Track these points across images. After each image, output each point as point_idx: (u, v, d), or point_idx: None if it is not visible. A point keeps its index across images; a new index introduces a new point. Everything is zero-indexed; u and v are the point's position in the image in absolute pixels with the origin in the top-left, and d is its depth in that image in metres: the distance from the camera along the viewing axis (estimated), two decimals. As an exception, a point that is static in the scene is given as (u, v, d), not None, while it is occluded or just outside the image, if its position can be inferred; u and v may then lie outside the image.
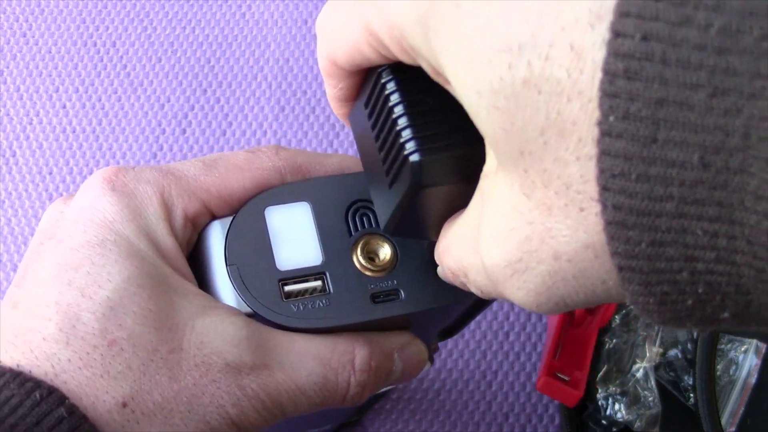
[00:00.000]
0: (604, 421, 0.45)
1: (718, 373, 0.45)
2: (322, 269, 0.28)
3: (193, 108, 0.56)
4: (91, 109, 0.56)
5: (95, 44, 0.59)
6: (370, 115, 0.24)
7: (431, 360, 0.34)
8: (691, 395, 0.45)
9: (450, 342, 0.50)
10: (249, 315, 0.26)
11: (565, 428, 0.45)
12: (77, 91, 0.57)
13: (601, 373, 0.45)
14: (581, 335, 0.41)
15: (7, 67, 0.58)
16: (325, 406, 0.27)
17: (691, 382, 0.45)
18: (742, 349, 0.47)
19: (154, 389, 0.24)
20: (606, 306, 0.35)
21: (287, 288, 0.27)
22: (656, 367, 0.45)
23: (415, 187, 0.22)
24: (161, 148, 0.55)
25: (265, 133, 0.56)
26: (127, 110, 0.56)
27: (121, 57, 0.58)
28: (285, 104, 0.57)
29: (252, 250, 0.27)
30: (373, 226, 0.29)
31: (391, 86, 0.22)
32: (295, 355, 0.26)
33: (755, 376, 0.46)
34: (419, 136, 0.22)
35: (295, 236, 0.28)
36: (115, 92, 0.57)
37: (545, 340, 0.39)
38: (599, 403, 0.45)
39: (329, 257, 0.28)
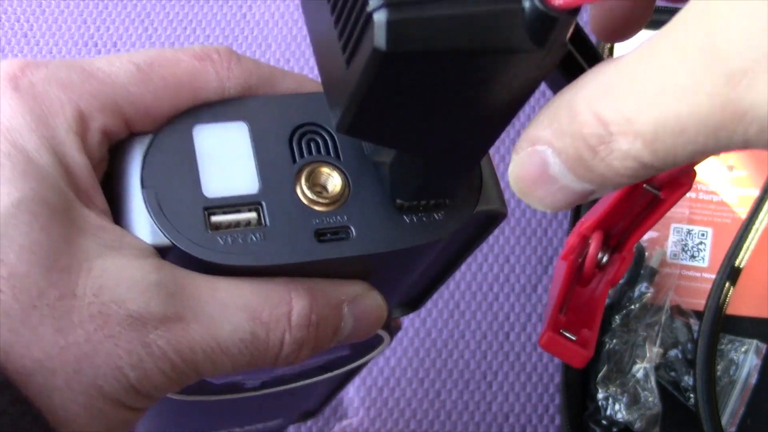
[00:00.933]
0: (604, 421, 0.45)
1: (718, 373, 0.45)
2: (258, 199, 0.23)
3: (193, 108, 0.57)
4: (92, 109, 0.57)
5: (96, 45, 0.59)
6: None
7: (390, 332, 0.30)
8: (692, 395, 0.45)
9: (450, 342, 0.50)
10: (165, 249, 0.22)
11: (566, 428, 0.45)
12: (78, 91, 0.57)
13: (601, 374, 0.45)
14: (590, 293, 0.37)
15: (8, 68, 0.58)
16: (252, 367, 0.23)
17: (691, 383, 0.45)
18: (743, 349, 0.47)
19: (34, 344, 0.19)
20: (618, 262, 0.34)
21: (214, 218, 0.23)
22: (656, 368, 0.45)
23: (381, 53, 0.17)
24: (162, 149, 0.56)
25: (265, 133, 0.56)
26: (128, 110, 0.56)
27: (122, 57, 0.58)
28: (285, 104, 0.57)
29: (174, 173, 0.23)
30: (322, 153, 0.24)
31: None
32: (218, 305, 0.22)
33: (755, 376, 0.46)
34: None
35: (227, 160, 0.24)
36: (116, 92, 0.57)
37: (548, 294, 0.37)
38: (599, 403, 0.45)
39: (267, 186, 0.23)
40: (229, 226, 0.23)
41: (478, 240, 0.29)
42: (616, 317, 0.47)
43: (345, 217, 0.24)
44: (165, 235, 0.22)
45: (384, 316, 0.26)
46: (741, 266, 0.46)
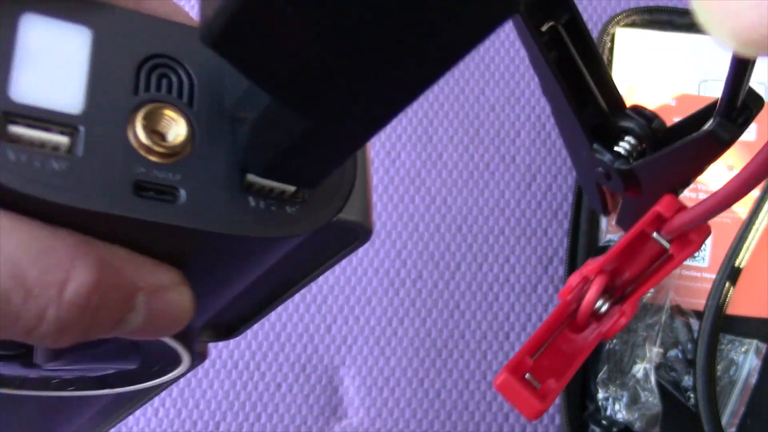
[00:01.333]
0: (604, 421, 0.45)
1: (718, 373, 0.45)
2: (76, 122, 0.19)
3: (193, 108, 0.56)
4: (92, 109, 0.56)
5: (96, 45, 0.59)
6: None
7: (192, 355, 0.25)
8: (692, 395, 0.45)
9: (449, 342, 0.50)
10: None
11: (566, 428, 0.45)
12: (78, 91, 0.57)
13: (601, 374, 0.45)
14: (578, 342, 0.33)
15: (9, 68, 0.58)
16: None
17: (691, 383, 0.45)
18: (743, 349, 0.47)
19: None
20: (617, 315, 0.31)
21: (13, 128, 0.18)
22: (657, 368, 0.45)
23: None
24: (162, 149, 0.55)
25: (265, 133, 0.56)
26: (128, 110, 0.56)
27: (122, 57, 0.58)
28: (286, 104, 0.57)
29: None
30: (173, 94, 0.20)
31: None
32: None
33: (755, 376, 0.46)
34: None
35: (53, 66, 0.19)
36: (116, 92, 0.57)
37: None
38: (599, 403, 0.45)
39: (93, 111, 0.19)
40: (32, 143, 0.18)
41: (329, 260, 0.25)
42: (616, 317, 0.47)
43: (177, 176, 0.19)
44: None
45: (186, 320, 0.21)
46: (741, 266, 0.46)
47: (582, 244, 0.48)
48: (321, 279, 0.51)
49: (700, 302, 0.46)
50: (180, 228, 0.19)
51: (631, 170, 0.24)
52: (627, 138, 0.25)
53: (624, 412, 0.44)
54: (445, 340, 0.50)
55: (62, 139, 0.18)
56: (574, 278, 0.30)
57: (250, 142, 0.20)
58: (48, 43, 0.19)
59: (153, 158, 0.19)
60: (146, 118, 0.19)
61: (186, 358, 0.25)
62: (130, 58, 0.20)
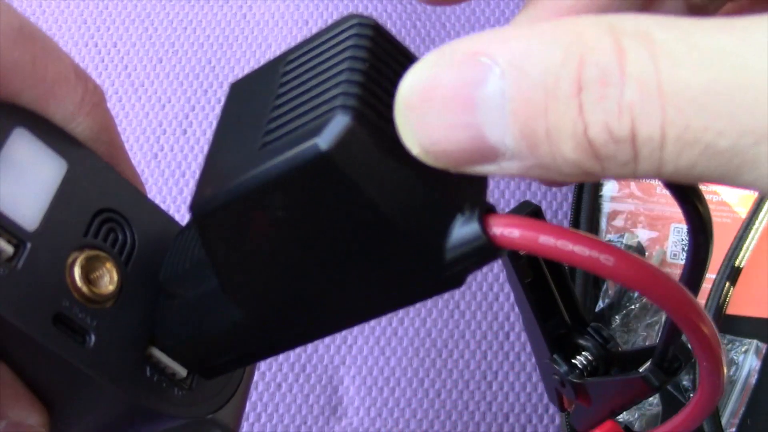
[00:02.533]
0: (604, 421, 0.45)
1: (718, 373, 0.45)
2: (26, 238, 0.20)
3: (194, 108, 0.56)
4: (92, 109, 0.57)
5: (96, 45, 0.59)
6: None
7: None
8: (691, 395, 0.45)
9: (450, 342, 0.50)
10: None
11: (566, 428, 0.45)
12: (78, 91, 0.57)
13: (601, 374, 0.45)
14: None
15: (8, 68, 0.58)
16: None
17: (691, 383, 0.45)
18: (743, 349, 0.47)
19: None
20: None
21: None
22: (656, 368, 0.45)
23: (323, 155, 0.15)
24: (162, 149, 0.55)
25: (265, 133, 0.56)
26: (128, 110, 0.56)
27: (122, 57, 0.58)
28: (286, 104, 0.57)
29: None
30: (115, 250, 0.22)
31: None
32: None
33: (755, 376, 0.46)
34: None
35: (26, 181, 0.20)
36: (116, 92, 0.57)
37: None
38: (599, 403, 0.45)
39: (44, 235, 0.20)
40: None
41: None
42: (616, 317, 0.47)
43: (94, 322, 0.20)
44: None
45: None
46: (741, 266, 0.46)
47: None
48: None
49: (700, 302, 0.46)
50: (79, 372, 0.20)
51: (582, 384, 0.28)
52: (584, 353, 0.29)
53: (624, 412, 0.44)
54: (445, 340, 0.50)
55: (7, 248, 0.19)
56: None
57: (172, 318, 0.21)
58: (28, 159, 0.20)
59: (78, 298, 0.20)
60: (86, 261, 0.21)
61: None
62: (90, 203, 0.22)
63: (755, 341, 0.47)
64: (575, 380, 0.28)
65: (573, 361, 0.29)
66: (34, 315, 0.19)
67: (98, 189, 0.22)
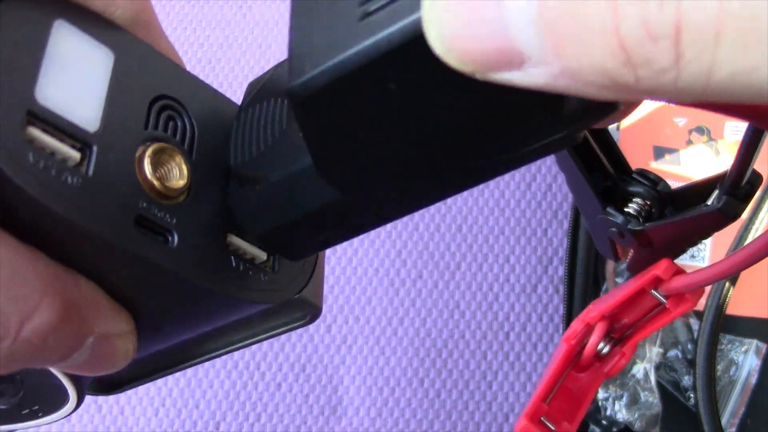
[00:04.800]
0: (604, 421, 0.45)
1: (718, 373, 0.45)
2: (91, 140, 0.18)
3: (193, 108, 0.57)
4: (92, 109, 0.57)
5: (96, 44, 0.59)
6: None
7: (79, 395, 0.24)
8: (692, 395, 0.45)
9: (450, 342, 0.50)
10: None
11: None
12: (78, 91, 0.57)
13: (601, 374, 0.45)
14: (583, 381, 0.36)
15: (9, 68, 0.58)
16: None
17: (691, 383, 0.45)
18: (743, 349, 0.47)
19: None
20: (618, 356, 0.35)
21: (33, 130, 0.17)
22: (656, 367, 0.45)
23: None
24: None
25: (265, 133, 0.56)
26: (128, 110, 0.56)
27: (122, 57, 0.58)
28: (286, 104, 0.57)
29: (11, 57, 0.17)
30: (177, 138, 0.20)
31: None
32: None
33: (755, 376, 0.46)
34: None
35: (77, 79, 0.19)
36: (116, 92, 0.57)
37: (542, 375, 0.36)
38: (599, 403, 0.45)
39: (107, 133, 0.19)
40: (45, 149, 0.17)
41: (269, 333, 0.24)
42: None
43: (174, 220, 0.19)
44: None
45: (123, 366, 0.21)
46: (741, 266, 0.46)
47: (582, 243, 0.48)
48: (321, 279, 0.51)
49: (700, 302, 0.46)
50: (165, 272, 0.19)
51: (644, 231, 0.27)
52: (635, 200, 0.28)
53: (624, 412, 0.44)
54: (445, 340, 0.50)
55: (74, 154, 0.18)
56: (578, 324, 0.33)
57: (253, 203, 0.20)
58: (75, 54, 0.19)
59: (153, 196, 0.19)
60: (154, 155, 0.19)
61: (74, 398, 0.24)
62: (144, 92, 0.20)
63: (755, 341, 0.47)
64: (636, 228, 0.27)
65: (626, 209, 0.28)
66: (116, 222, 0.18)
67: (148, 76, 0.20)
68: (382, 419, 0.49)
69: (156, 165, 0.19)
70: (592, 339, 0.33)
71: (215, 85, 0.58)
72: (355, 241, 0.52)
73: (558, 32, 0.12)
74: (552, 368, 0.35)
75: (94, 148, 0.18)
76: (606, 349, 0.34)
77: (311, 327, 0.50)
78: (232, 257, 0.20)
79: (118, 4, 0.20)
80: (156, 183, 0.19)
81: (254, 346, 0.50)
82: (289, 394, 0.49)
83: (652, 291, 0.30)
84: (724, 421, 0.44)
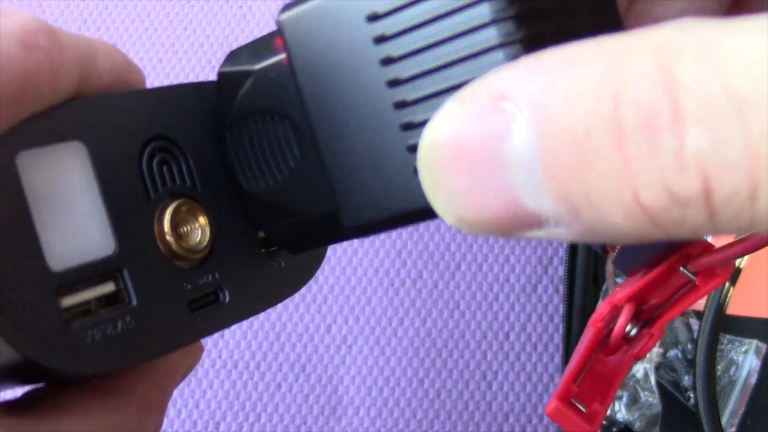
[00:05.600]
0: (604, 421, 0.45)
1: (718, 373, 0.45)
2: (118, 264, 0.17)
3: (193, 108, 0.56)
4: (92, 109, 0.57)
5: (96, 44, 0.59)
6: None
7: None
8: (691, 395, 0.45)
9: (450, 342, 0.50)
10: (10, 369, 0.15)
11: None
12: (78, 91, 0.57)
13: (601, 374, 0.45)
14: (612, 364, 0.35)
15: (8, 68, 0.58)
16: None
17: (691, 383, 0.45)
18: (743, 349, 0.47)
19: None
20: (647, 338, 0.34)
21: (65, 301, 0.16)
22: (656, 367, 0.45)
23: None
24: (162, 149, 0.55)
25: (265, 133, 0.56)
26: (128, 110, 0.56)
27: (122, 57, 0.58)
28: (285, 104, 0.57)
29: (6, 238, 0.15)
30: (177, 180, 0.18)
31: None
32: None
33: (755, 376, 0.46)
34: None
35: (70, 207, 0.16)
36: (116, 92, 0.57)
37: (571, 358, 0.36)
38: (599, 403, 0.45)
39: (125, 240, 0.17)
40: (85, 310, 0.16)
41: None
42: (616, 317, 0.47)
43: (216, 275, 0.18)
44: (12, 346, 0.15)
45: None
46: (741, 266, 0.46)
47: (582, 243, 0.48)
48: (321, 278, 0.51)
49: (700, 302, 0.46)
50: (230, 325, 0.19)
51: None
52: None
53: (624, 412, 0.44)
54: (445, 340, 0.50)
55: (109, 288, 0.17)
56: (605, 307, 0.33)
57: (289, 231, 0.19)
58: (54, 178, 0.16)
59: (187, 264, 0.18)
60: (171, 221, 0.18)
61: None
62: (129, 156, 0.18)
63: (755, 341, 0.47)
64: None
65: None
66: (180, 325, 0.17)
67: (122, 132, 0.18)
68: (382, 419, 0.49)
69: (178, 232, 0.18)
70: (620, 321, 0.33)
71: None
72: (355, 241, 0.52)
73: (570, 198, 0.11)
74: (580, 351, 0.34)
75: (125, 272, 0.17)
76: (634, 332, 0.34)
77: (311, 327, 0.50)
78: (272, 261, 0.20)
79: (60, 86, 0.17)
80: (187, 253, 0.18)
81: (254, 346, 0.50)
82: (289, 394, 0.49)
83: (681, 268, 0.30)
84: (724, 421, 0.44)
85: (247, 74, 0.19)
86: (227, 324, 0.18)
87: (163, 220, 0.18)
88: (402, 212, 0.16)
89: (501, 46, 0.14)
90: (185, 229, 0.18)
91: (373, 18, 0.15)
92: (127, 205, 0.17)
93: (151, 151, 0.18)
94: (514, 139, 0.11)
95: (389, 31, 0.15)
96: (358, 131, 0.16)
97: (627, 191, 0.10)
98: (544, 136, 0.11)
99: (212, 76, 0.59)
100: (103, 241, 0.17)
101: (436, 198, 0.12)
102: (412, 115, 0.15)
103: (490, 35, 0.14)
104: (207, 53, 0.58)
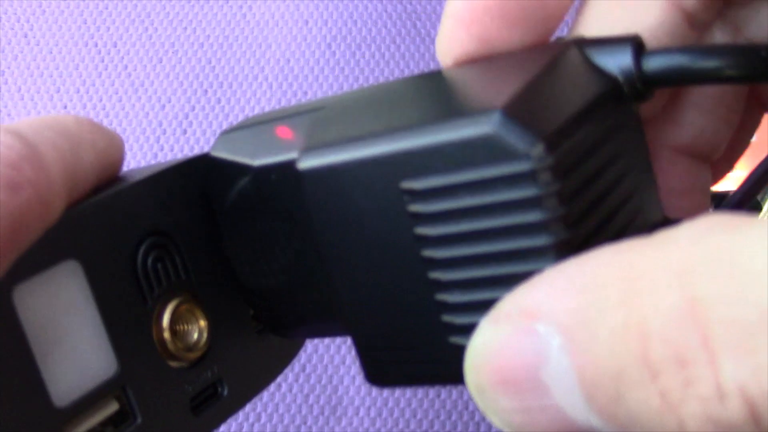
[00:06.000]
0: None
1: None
2: (120, 382, 0.16)
3: (194, 108, 0.57)
4: (92, 109, 0.57)
5: (96, 45, 0.59)
6: None
7: None
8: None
9: (450, 342, 0.50)
10: None
11: None
12: (78, 91, 0.57)
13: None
14: None
15: (9, 68, 0.58)
16: None
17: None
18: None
19: None
20: None
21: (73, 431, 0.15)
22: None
23: None
24: (162, 149, 0.56)
25: (265, 133, 0.56)
26: (128, 110, 0.56)
27: (122, 57, 0.58)
28: (285, 104, 0.57)
29: (7, 381, 0.14)
30: (171, 276, 0.18)
31: None
32: None
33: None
34: None
35: (71, 335, 0.16)
36: (116, 92, 0.57)
37: None
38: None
39: (125, 355, 0.16)
40: None
41: None
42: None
43: (215, 369, 0.18)
44: None
45: None
46: None
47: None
48: (321, 279, 0.51)
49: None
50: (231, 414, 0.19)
51: None
52: None
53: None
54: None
55: (113, 408, 0.16)
56: None
57: (292, 325, 0.19)
58: (51, 308, 0.16)
59: (185, 364, 0.18)
60: (170, 327, 0.17)
61: None
62: (122, 261, 0.17)
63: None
64: None
65: None
66: (183, 428, 0.17)
67: (113, 236, 0.17)
68: (382, 419, 0.49)
69: (176, 332, 0.18)
70: None
71: (215, 86, 0.58)
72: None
73: (616, 418, 0.11)
74: None
75: (128, 390, 0.16)
76: None
77: (311, 327, 0.50)
78: (264, 337, 0.20)
79: (50, 213, 0.15)
80: (186, 354, 0.18)
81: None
82: (289, 394, 0.49)
83: None
84: (724, 420, 0.44)
85: (245, 169, 0.18)
86: (229, 416, 0.18)
87: (161, 323, 0.17)
88: (431, 377, 0.16)
89: (538, 251, 0.14)
90: (183, 327, 0.18)
91: (409, 193, 0.15)
92: (125, 316, 0.17)
93: (146, 250, 0.18)
94: (552, 364, 0.11)
95: (424, 211, 0.15)
96: (383, 284, 0.16)
97: (671, 420, 0.10)
98: (578, 366, 0.11)
99: (212, 76, 0.59)
100: (104, 363, 0.16)
101: (489, 414, 0.13)
102: (448, 295, 0.15)
103: (538, 241, 0.14)
104: (207, 53, 0.58)
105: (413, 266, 0.15)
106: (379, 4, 0.60)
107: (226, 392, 0.18)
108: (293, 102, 0.57)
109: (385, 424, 0.49)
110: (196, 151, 0.55)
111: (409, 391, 0.49)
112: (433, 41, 0.59)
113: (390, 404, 0.49)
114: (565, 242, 0.13)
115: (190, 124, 0.56)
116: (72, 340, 0.16)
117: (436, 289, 0.15)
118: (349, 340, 0.50)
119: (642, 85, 0.16)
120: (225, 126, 0.56)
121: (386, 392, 0.49)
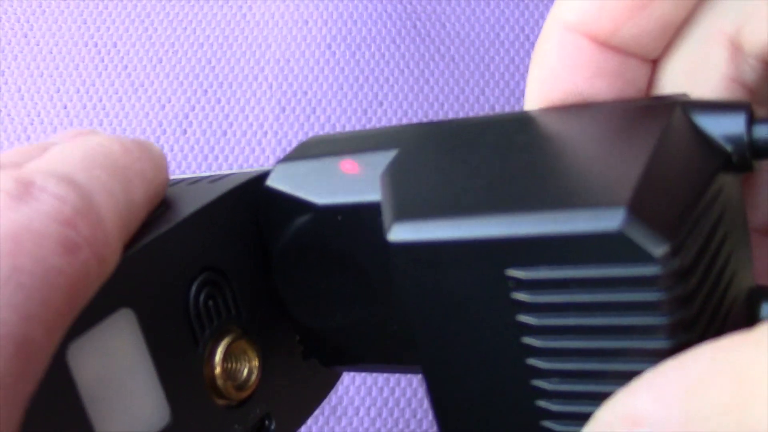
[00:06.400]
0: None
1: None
2: (173, 431, 0.16)
3: (193, 108, 0.57)
4: (92, 109, 0.57)
5: (96, 45, 0.59)
6: None
7: None
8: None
9: (450, 342, 0.50)
10: None
11: None
12: (78, 91, 0.57)
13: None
14: None
15: (8, 68, 0.58)
16: None
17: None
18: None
19: None
20: None
21: None
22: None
23: None
24: (162, 149, 0.56)
25: (265, 133, 0.56)
26: (128, 110, 0.56)
27: (122, 57, 0.58)
28: (285, 104, 0.57)
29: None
30: (231, 311, 0.17)
31: None
32: None
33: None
34: None
35: (122, 384, 0.15)
36: (116, 92, 0.57)
37: None
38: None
39: (178, 404, 0.16)
40: None
41: None
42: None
43: (264, 405, 0.18)
44: None
45: None
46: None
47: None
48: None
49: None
50: None
51: None
52: None
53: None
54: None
55: None
56: None
57: (319, 336, 0.18)
58: (105, 357, 0.15)
59: (235, 403, 0.17)
60: (223, 366, 0.17)
61: None
62: (174, 305, 0.16)
63: (755, 341, 0.47)
64: None
65: None
66: None
67: (164, 280, 0.16)
68: (382, 419, 0.49)
69: (227, 371, 0.17)
70: None
71: (215, 86, 0.58)
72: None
73: None
74: None
75: None
76: None
77: (311, 327, 0.50)
78: (309, 363, 0.19)
79: (107, 269, 0.14)
80: (236, 393, 0.17)
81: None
82: (289, 394, 0.49)
83: None
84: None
85: (306, 206, 0.17)
86: None
87: (212, 363, 0.17)
88: None
89: (652, 353, 0.13)
90: (234, 365, 0.17)
91: (515, 280, 0.14)
92: (178, 361, 0.16)
93: (198, 288, 0.17)
94: None
95: (530, 301, 0.14)
96: (475, 361, 0.15)
97: None
98: None
99: (212, 77, 0.59)
100: (158, 413, 0.16)
101: None
102: (545, 383, 0.15)
103: (653, 344, 0.13)
104: (207, 53, 0.58)
105: (510, 350, 0.15)
106: (379, 4, 0.60)
107: (273, 426, 0.18)
108: (293, 102, 0.57)
109: (385, 424, 0.49)
110: (196, 151, 0.55)
111: (409, 391, 0.49)
112: (433, 41, 0.59)
113: (390, 404, 0.49)
114: (684, 345, 0.13)
115: (190, 124, 0.56)
116: (126, 393, 0.15)
117: (532, 375, 0.15)
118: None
119: (751, 155, 0.15)
120: (225, 125, 0.56)
121: (386, 392, 0.49)
